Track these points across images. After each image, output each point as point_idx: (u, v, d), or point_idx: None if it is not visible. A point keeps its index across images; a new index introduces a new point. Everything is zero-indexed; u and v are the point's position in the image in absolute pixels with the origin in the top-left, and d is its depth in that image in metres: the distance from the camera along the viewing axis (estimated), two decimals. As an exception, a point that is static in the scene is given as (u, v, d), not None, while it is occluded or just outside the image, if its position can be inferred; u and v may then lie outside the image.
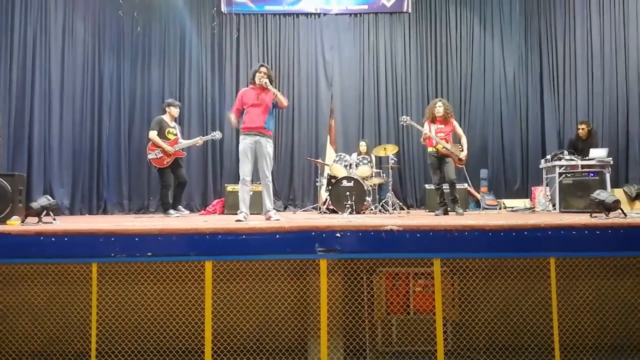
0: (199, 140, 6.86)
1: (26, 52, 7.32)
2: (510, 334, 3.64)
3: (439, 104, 6.18)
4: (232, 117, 5.03)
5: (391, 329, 3.73)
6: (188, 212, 6.97)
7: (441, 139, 6.00)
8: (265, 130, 4.86)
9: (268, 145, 4.87)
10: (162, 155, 6.42)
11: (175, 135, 6.62)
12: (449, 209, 6.15)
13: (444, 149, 5.99)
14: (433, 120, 6.15)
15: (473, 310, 3.66)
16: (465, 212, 6.40)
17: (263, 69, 4.89)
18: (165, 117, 6.69)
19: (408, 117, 6.44)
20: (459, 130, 6.26)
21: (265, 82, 4.82)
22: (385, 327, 3.74)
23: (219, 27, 9.30)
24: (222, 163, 9.13)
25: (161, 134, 6.48)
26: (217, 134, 6.90)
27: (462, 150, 6.14)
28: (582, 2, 8.14)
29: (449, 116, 6.14)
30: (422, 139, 6.27)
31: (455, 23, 9.48)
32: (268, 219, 4.73)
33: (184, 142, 6.66)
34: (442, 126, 6.09)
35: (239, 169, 4.90)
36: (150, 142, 6.47)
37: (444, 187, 6.20)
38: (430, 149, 6.15)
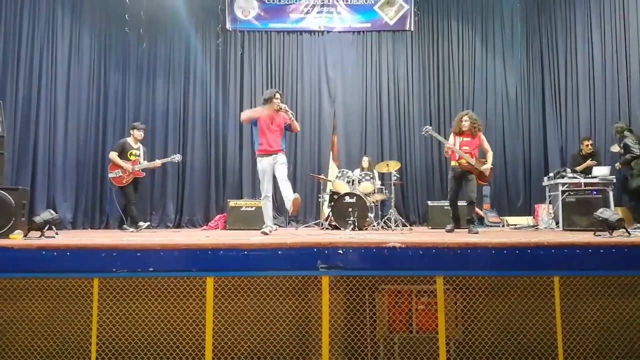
0: (157, 163, 7.24)
1: (32, 66, 7.40)
2: (514, 353, 3.59)
3: (465, 117, 5.89)
4: (247, 112, 5.58)
5: (393, 347, 3.68)
6: (146, 224, 7.09)
7: (465, 153, 5.78)
8: (281, 151, 5.39)
9: (283, 158, 5.39)
10: (121, 174, 6.79)
11: (137, 156, 6.99)
12: (455, 227, 6.01)
13: (467, 164, 5.77)
14: (459, 133, 5.91)
15: (476, 328, 3.62)
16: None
17: (279, 95, 5.36)
18: (130, 140, 7.06)
19: (430, 127, 6.29)
20: (486, 145, 5.99)
21: (285, 107, 5.24)
22: (387, 345, 3.70)
23: (223, 44, 9.43)
24: (225, 178, 9.16)
25: (123, 156, 6.87)
26: (176, 157, 7.35)
27: (485, 164, 5.86)
28: (583, 19, 8.19)
29: (475, 130, 5.88)
30: (445, 150, 6.08)
31: (457, 41, 9.58)
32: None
33: (143, 164, 6.99)
34: (468, 139, 5.85)
35: (260, 187, 5.40)
36: (111, 162, 6.85)
37: (458, 203, 6.03)
38: (453, 163, 5.93)
